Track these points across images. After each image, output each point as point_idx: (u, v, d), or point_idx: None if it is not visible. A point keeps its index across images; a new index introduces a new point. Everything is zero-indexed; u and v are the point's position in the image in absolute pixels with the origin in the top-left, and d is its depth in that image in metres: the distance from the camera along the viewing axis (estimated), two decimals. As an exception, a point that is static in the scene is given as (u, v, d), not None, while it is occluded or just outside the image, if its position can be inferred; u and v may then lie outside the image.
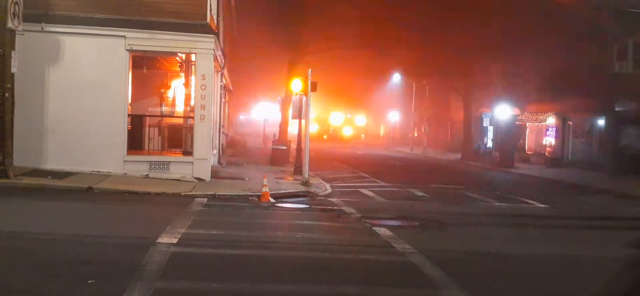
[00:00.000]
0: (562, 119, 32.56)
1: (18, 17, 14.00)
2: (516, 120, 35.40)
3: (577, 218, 15.26)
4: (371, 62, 44.79)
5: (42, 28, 15.82)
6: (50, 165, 15.84)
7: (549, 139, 33.86)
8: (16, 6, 13.89)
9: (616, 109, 27.99)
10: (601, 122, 29.81)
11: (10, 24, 13.72)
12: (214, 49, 17.42)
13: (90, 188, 14.12)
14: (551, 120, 33.37)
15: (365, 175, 23.80)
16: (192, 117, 17.39)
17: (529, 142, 36.91)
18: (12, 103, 14.17)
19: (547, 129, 34.08)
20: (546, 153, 33.58)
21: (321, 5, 28.32)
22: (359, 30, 31.08)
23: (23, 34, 14.37)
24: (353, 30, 30.80)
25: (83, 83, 16.22)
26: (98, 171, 16.03)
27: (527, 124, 36.45)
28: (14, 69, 14.05)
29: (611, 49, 28.11)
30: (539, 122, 34.79)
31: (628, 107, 27.28)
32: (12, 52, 13.97)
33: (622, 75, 27.62)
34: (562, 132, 32.72)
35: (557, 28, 27.17)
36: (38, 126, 15.96)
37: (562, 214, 15.75)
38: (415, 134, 51.69)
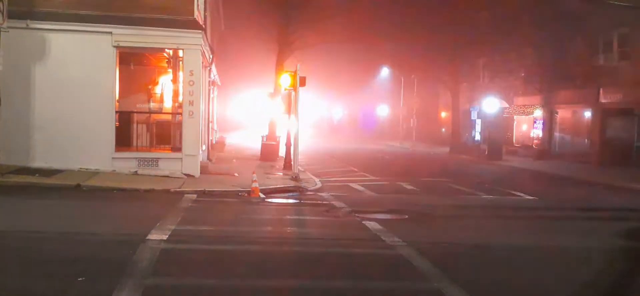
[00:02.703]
0: (549, 112, 32.81)
1: (2, 14, 13.84)
2: (504, 113, 35.64)
3: (564, 209, 15.43)
4: (359, 56, 44.88)
5: (27, 25, 15.67)
6: (38, 163, 15.72)
7: (537, 132, 34.09)
8: (0, 3, 13.74)
9: (602, 101, 28.29)
10: (588, 114, 30.09)
11: (-6, 21, 13.59)
12: (201, 45, 17.35)
13: (78, 186, 14.04)
14: (538, 112, 33.62)
15: (355, 169, 23.86)
16: (181, 114, 17.32)
17: (516, 135, 37.17)
18: (-2, 101, 14.06)
19: (535, 122, 34.31)
20: (534, 145, 33.83)
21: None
22: (347, 24, 31.07)
23: (8, 31, 14.21)
24: (341, 24, 30.79)
25: (70, 80, 16.10)
26: (86, 168, 15.93)
27: (515, 116, 36.69)
28: (-1, 67, 13.93)
29: (597, 42, 28.34)
30: (526, 114, 35.04)
31: (614, 99, 27.58)
32: (-3, 50, 13.85)
33: (608, 67, 27.88)
34: (549, 124, 32.98)
35: (544, 21, 27.36)
36: (25, 123, 15.81)
37: (549, 205, 15.92)
38: (404, 128, 51.82)
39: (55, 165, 15.70)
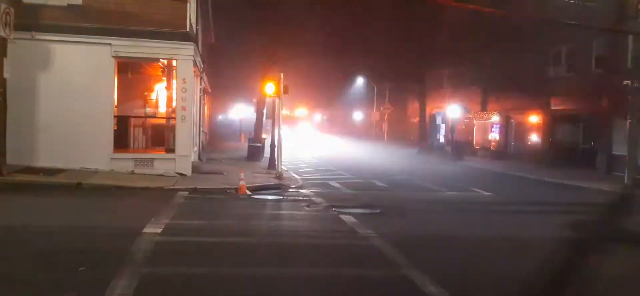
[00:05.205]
0: (505, 117, 33.31)
1: (9, 27, 13.63)
2: (465, 118, 36.04)
3: (518, 204, 15.67)
4: (337, 67, 45.03)
5: (33, 36, 15.42)
6: (42, 163, 15.47)
7: (494, 135, 34.58)
8: (7, 16, 13.53)
9: (552, 108, 28.81)
10: (539, 119, 30.60)
11: (2, 33, 13.38)
12: (193, 56, 17.27)
13: (79, 184, 13.85)
14: (495, 118, 34.08)
15: (332, 168, 23.90)
16: (174, 118, 17.21)
17: (476, 138, 37.58)
18: (5, 106, 13.84)
19: (492, 126, 34.79)
20: (491, 147, 34.30)
21: (293, 16, 28.34)
22: (326, 39, 31.27)
23: (15, 42, 14.01)
24: (321, 39, 30.97)
25: (72, 87, 15.89)
26: (87, 168, 15.73)
27: (475, 121, 37.12)
28: (6, 75, 13.72)
29: (547, 56, 28.89)
30: (485, 120, 35.48)
31: (562, 107, 28.11)
32: (4, 59, 13.65)
33: (557, 78, 28.45)
34: (505, 128, 33.47)
35: (500, 37, 27.77)
36: (30, 126, 15.55)
37: (505, 201, 16.16)
38: (377, 131, 52.08)
39: (58, 165, 15.47)
